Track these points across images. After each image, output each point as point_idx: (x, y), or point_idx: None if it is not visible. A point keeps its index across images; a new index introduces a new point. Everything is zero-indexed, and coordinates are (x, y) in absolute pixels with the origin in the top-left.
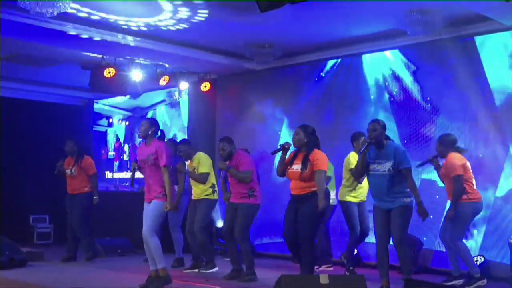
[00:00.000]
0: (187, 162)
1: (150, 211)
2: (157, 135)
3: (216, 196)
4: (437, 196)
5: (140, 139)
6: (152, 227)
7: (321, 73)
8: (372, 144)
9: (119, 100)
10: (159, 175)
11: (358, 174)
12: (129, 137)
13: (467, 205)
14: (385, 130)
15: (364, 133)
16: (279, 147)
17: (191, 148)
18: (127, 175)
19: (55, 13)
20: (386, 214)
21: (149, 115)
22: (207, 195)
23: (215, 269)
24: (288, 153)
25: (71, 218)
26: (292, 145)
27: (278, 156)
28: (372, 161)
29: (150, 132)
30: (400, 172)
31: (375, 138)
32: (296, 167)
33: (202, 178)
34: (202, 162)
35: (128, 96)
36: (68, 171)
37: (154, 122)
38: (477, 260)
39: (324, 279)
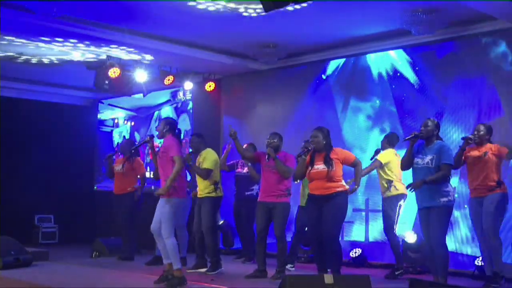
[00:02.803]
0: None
1: (163, 212)
2: (174, 132)
3: (219, 193)
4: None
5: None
6: (169, 227)
7: (325, 73)
8: (420, 137)
9: (124, 100)
10: (168, 170)
11: (404, 164)
12: (134, 137)
13: (504, 195)
14: (438, 129)
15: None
16: (303, 150)
17: (201, 142)
18: None
19: (60, 13)
20: (427, 215)
21: (155, 115)
22: (209, 192)
23: (221, 269)
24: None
25: (118, 218)
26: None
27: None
28: (417, 155)
29: (164, 130)
30: (438, 167)
31: (425, 133)
32: (321, 167)
33: (203, 173)
34: (206, 158)
35: (132, 96)
36: (117, 168)
37: (168, 121)
38: (482, 260)
39: (328, 279)
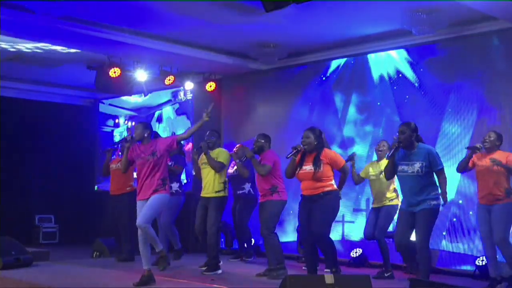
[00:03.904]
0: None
1: (151, 203)
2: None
3: (226, 193)
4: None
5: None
6: (149, 216)
7: (326, 73)
8: (401, 147)
9: (125, 100)
10: (159, 171)
11: (387, 175)
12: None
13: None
14: (415, 132)
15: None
16: (292, 150)
17: (218, 138)
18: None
19: (61, 13)
20: (409, 216)
21: (156, 115)
22: (218, 191)
23: (219, 271)
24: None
25: (117, 219)
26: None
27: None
28: (401, 162)
29: (145, 135)
30: (429, 173)
31: (403, 141)
32: (308, 167)
33: (218, 166)
34: (222, 154)
35: (133, 96)
36: (114, 166)
37: (148, 125)
38: (482, 260)
39: (329, 279)
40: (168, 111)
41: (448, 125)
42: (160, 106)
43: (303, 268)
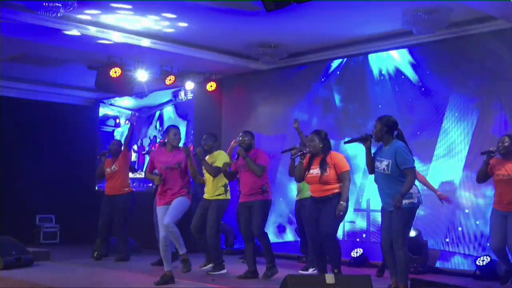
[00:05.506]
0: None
1: (176, 205)
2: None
3: (228, 196)
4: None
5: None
6: (176, 217)
7: (326, 73)
8: (376, 139)
9: (125, 100)
10: (182, 178)
11: (368, 169)
12: (136, 137)
13: None
14: (388, 127)
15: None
16: (298, 152)
17: (215, 142)
18: (135, 175)
19: (62, 13)
20: (390, 215)
21: (156, 115)
22: (219, 194)
23: (224, 271)
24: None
25: (105, 219)
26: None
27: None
28: (377, 158)
29: (180, 142)
30: (397, 172)
31: (375, 135)
32: (315, 171)
33: (213, 171)
34: (219, 157)
35: (134, 96)
36: (108, 170)
37: (179, 131)
38: (483, 260)
39: (330, 279)
40: (168, 111)
41: (448, 125)
42: (160, 106)
43: (299, 271)
